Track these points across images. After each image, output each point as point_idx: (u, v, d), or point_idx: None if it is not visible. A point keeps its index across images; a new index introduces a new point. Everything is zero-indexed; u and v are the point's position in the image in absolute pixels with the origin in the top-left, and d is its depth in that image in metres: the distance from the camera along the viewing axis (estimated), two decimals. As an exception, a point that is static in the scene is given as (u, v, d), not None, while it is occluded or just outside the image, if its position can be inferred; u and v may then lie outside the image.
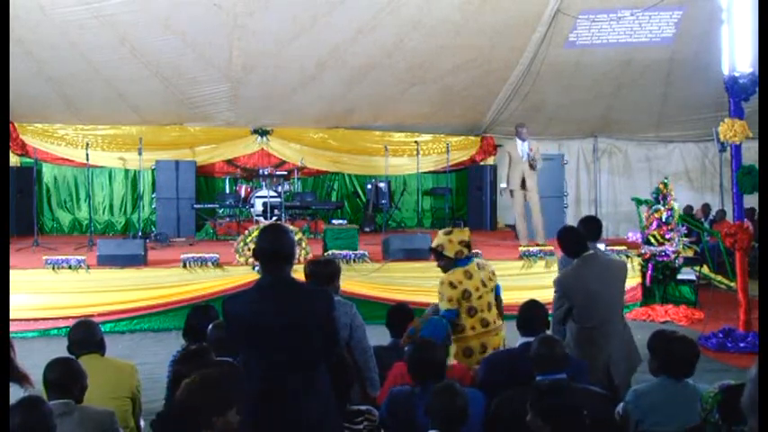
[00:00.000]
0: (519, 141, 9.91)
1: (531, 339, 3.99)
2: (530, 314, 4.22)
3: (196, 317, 4.60)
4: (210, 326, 4.27)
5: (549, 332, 4.34)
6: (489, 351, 4.57)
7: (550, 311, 5.05)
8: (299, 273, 4.00)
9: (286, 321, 3.04)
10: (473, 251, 5.25)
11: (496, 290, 4.88)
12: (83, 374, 3.39)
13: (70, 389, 3.30)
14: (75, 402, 3.29)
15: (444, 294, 4.67)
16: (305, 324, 3.07)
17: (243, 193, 11.62)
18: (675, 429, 3.29)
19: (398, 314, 4.82)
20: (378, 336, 4.91)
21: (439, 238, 4.86)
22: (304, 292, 3.22)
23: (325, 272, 4.26)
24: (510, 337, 4.78)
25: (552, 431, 2.99)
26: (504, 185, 10.15)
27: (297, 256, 7.43)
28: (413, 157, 12.28)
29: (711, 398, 2.75)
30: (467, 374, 4.20)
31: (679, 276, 9.29)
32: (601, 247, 5.95)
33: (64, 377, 3.32)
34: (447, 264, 4.81)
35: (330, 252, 8.55)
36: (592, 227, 5.08)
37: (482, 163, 13.24)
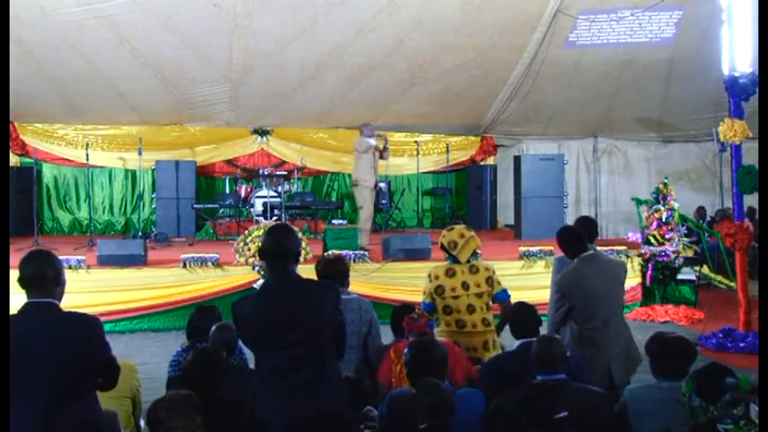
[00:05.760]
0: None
1: (526, 340, 4.01)
2: (521, 317, 4.23)
3: (200, 318, 4.61)
4: (214, 327, 4.27)
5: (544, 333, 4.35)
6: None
7: (545, 312, 5.07)
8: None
9: (295, 317, 3.08)
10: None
11: (501, 295, 4.87)
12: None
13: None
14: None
15: (424, 285, 4.87)
16: (314, 318, 3.11)
17: (243, 193, 11.63)
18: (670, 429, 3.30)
19: (404, 314, 4.80)
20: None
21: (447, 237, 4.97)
22: (311, 288, 3.25)
23: (337, 269, 4.32)
24: (507, 338, 4.81)
25: None
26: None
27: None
28: (413, 157, 12.28)
29: (685, 385, 2.76)
30: (468, 366, 4.22)
31: (679, 276, 9.29)
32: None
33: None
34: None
35: (330, 252, 8.55)
36: (588, 227, 5.07)
37: (482, 163, 13.26)
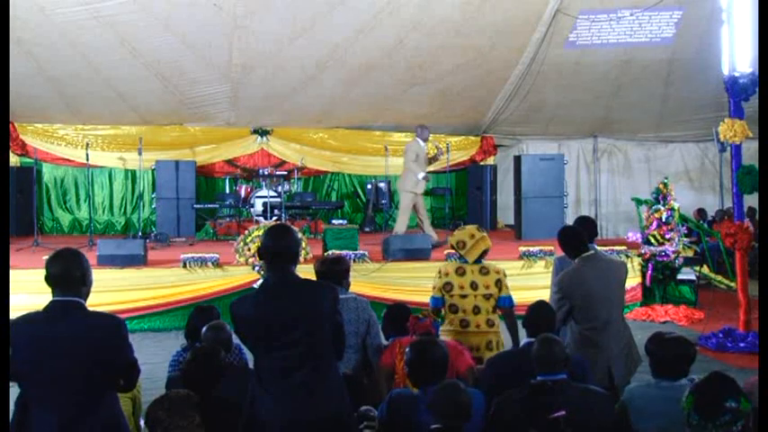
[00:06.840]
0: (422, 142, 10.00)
1: (529, 340, 3.99)
2: (538, 315, 4.20)
3: (199, 318, 4.60)
4: (205, 328, 4.26)
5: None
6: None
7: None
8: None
9: (294, 317, 3.07)
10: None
11: (504, 300, 4.86)
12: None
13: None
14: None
15: (434, 281, 4.89)
16: (313, 319, 3.10)
17: (243, 193, 11.63)
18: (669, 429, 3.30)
19: (396, 314, 4.80)
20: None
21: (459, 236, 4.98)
22: (310, 288, 3.24)
23: (336, 269, 4.31)
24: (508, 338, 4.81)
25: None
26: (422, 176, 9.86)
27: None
28: (413, 157, 12.27)
29: (685, 401, 2.75)
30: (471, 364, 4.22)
31: (679, 276, 9.29)
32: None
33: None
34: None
35: (331, 252, 8.55)
36: (587, 227, 5.06)
37: (482, 163, 13.26)
